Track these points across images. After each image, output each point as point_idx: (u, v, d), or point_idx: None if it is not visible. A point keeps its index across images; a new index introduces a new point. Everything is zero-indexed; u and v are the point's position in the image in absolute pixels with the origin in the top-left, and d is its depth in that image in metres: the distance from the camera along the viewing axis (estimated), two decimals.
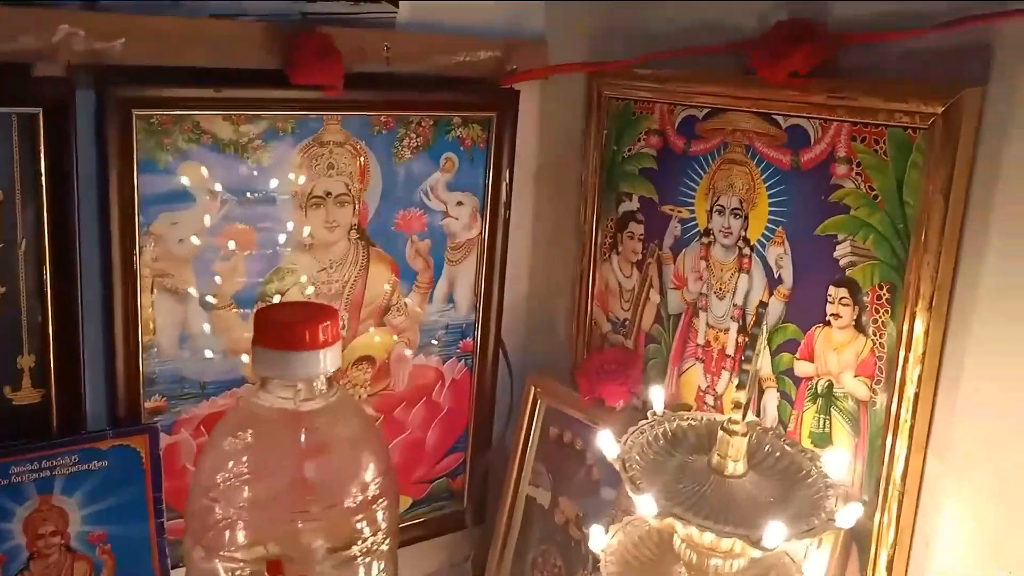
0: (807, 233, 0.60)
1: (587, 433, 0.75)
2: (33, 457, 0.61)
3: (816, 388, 0.60)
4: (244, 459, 0.43)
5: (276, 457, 0.43)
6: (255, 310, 0.43)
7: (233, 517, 0.42)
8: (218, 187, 0.66)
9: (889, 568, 0.57)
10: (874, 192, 0.56)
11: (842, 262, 0.58)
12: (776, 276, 0.62)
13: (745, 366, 0.43)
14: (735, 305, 0.65)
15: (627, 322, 0.75)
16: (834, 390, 0.59)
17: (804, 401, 0.61)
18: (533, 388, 0.79)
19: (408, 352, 0.79)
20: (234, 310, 0.69)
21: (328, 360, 0.43)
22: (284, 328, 0.41)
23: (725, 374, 0.66)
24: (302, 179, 0.69)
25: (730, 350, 0.65)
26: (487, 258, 0.80)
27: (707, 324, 0.68)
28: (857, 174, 0.57)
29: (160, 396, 0.67)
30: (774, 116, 0.61)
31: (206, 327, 0.68)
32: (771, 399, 0.63)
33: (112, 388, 0.65)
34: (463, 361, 0.83)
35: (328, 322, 0.43)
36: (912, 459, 0.56)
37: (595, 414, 0.74)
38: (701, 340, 0.68)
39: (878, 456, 0.57)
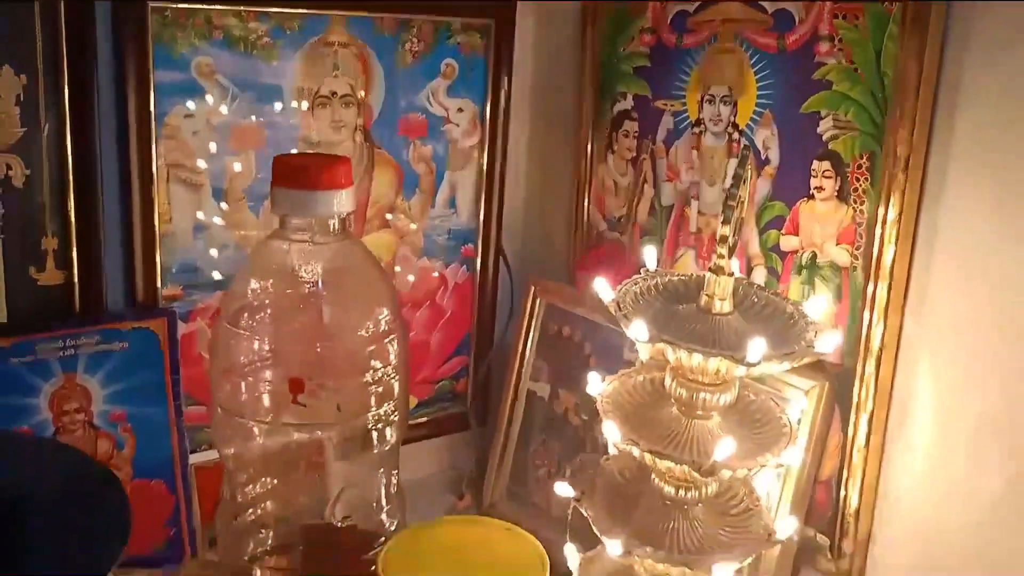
0: (792, 113, 0.63)
1: (585, 326, 0.78)
2: (57, 336, 0.65)
3: (801, 260, 0.64)
4: (264, 296, 0.46)
5: (293, 292, 0.46)
6: (272, 161, 0.46)
7: (256, 346, 0.45)
8: (228, 83, 0.69)
9: (869, 424, 0.60)
10: (854, 66, 0.59)
11: (825, 136, 0.61)
12: (763, 157, 0.65)
13: (730, 202, 0.46)
14: (724, 190, 0.68)
15: (622, 219, 0.79)
16: (818, 260, 0.63)
17: (790, 274, 0.64)
18: (533, 288, 0.83)
19: (412, 256, 0.82)
20: (245, 204, 0.72)
21: (342, 201, 0.46)
22: (303, 170, 0.44)
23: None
24: (308, 78, 0.72)
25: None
26: (487, 165, 0.83)
27: (698, 212, 0.71)
28: (839, 50, 0.60)
29: (176, 284, 0.70)
30: (761, 2, 0.64)
31: (218, 220, 0.71)
32: (759, 275, 0.66)
33: (130, 274, 0.68)
34: (465, 266, 0.86)
35: (343, 167, 0.46)
36: (890, 320, 0.59)
37: (593, 307, 0.77)
38: (693, 228, 0.72)
39: (858, 320, 0.60)
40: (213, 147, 0.69)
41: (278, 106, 0.71)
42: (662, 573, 0.55)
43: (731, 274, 0.50)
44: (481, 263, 0.86)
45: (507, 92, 0.82)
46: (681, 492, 0.54)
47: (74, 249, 0.65)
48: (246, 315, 0.46)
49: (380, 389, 0.48)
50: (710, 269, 0.50)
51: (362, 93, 0.75)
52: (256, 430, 0.46)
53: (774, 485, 0.61)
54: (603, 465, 0.59)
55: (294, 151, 0.72)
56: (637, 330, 0.47)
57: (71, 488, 0.41)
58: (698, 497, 0.54)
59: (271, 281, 0.46)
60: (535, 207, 0.89)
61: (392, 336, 0.48)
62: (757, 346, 0.45)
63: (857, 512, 0.62)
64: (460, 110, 0.81)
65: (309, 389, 0.44)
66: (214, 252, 0.71)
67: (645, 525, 0.54)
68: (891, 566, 0.62)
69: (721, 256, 0.48)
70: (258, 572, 0.49)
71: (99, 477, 0.40)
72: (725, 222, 0.47)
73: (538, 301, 0.82)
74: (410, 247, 0.82)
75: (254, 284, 0.46)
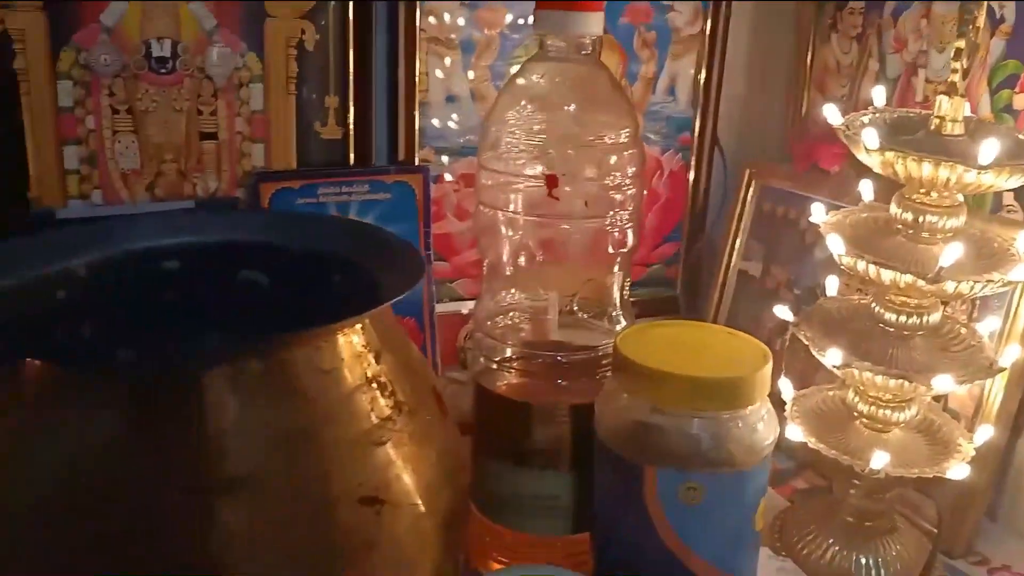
0: None
1: (800, 202, 0.80)
2: (335, 182, 0.76)
3: None
4: (525, 103, 0.53)
5: (551, 100, 0.53)
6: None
7: (517, 145, 0.53)
8: None
9: None
10: None
11: None
12: (998, 16, 0.65)
13: (966, 16, 0.48)
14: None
15: (843, 97, 0.80)
16: None
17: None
18: (748, 170, 0.86)
19: None
20: (488, 82, 0.80)
21: (596, 22, 0.53)
22: None
23: None
24: None
25: None
26: (708, 53, 0.87)
27: (926, 80, 0.72)
28: None
29: (428, 148, 0.80)
30: None
31: (467, 93, 0.80)
32: None
33: (393, 134, 0.78)
34: (680, 154, 0.90)
35: None
36: None
37: (809, 183, 0.79)
38: (919, 97, 0.72)
39: None
40: (464, 28, 0.78)
41: None
42: (877, 397, 0.58)
43: (963, 95, 0.51)
44: (697, 151, 0.90)
45: None
46: (902, 318, 0.56)
47: (351, 108, 0.75)
48: (508, 119, 0.53)
49: (619, 196, 0.54)
50: (942, 92, 0.52)
51: None
52: (514, 220, 0.54)
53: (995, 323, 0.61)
54: (819, 304, 0.63)
55: None
56: (868, 137, 0.50)
57: (371, 250, 0.50)
58: (919, 325, 0.56)
59: (532, 90, 0.54)
60: (754, 96, 0.92)
61: (632, 151, 0.54)
62: (989, 147, 0.47)
63: None
64: None
65: (561, 185, 0.51)
66: (461, 122, 0.80)
67: (864, 349, 0.57)
68: None
69: (955, 71, 0.50)
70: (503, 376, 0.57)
71: (395, 241, 0.49)
72: (960, 36, 0.49)
73: (753, 183, 0.86)
74: None
75: (520, 86, 0.54)
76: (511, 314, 0.59)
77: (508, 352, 0.58)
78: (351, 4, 0.73)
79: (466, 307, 0.83)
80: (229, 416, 0.37)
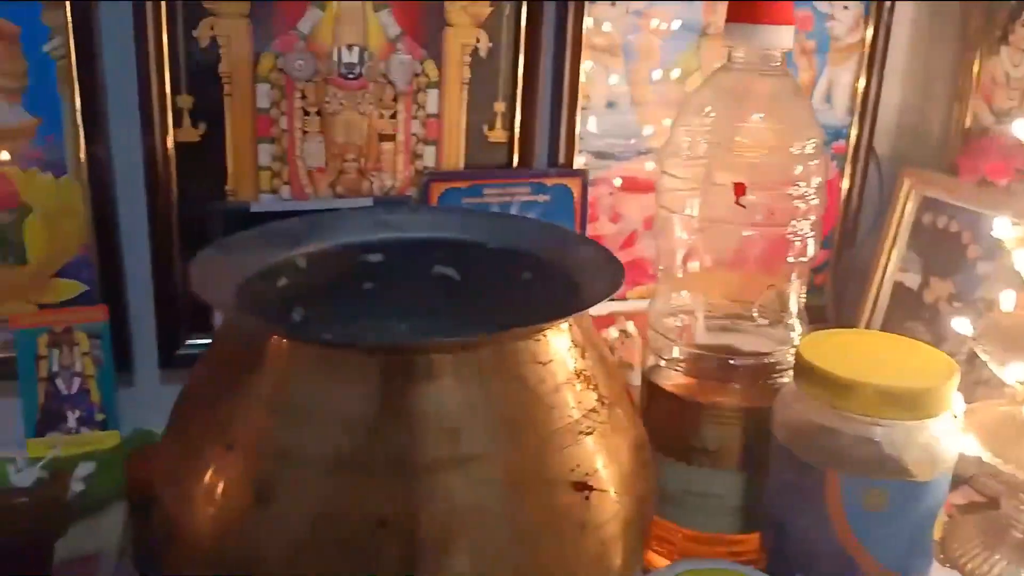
0: None
1: (964, 215, 0.79)
2: (500, 183, 0.79)
3: None
4: (712, 111, 0.55)
5: (740, 108, 0.55)
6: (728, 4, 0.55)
7: (703, 153, 0.55)
8: None
9: None
10: None
11: None
12: None
13: None
14: None
15: (1011, 110, 0.79)
16: None
17: None
18: (907, 180, 0.85)
19: None
20: (647, 89, 0.82)
21: (785, 37, 0.54)
22: (758, 6, 0.53)
23: None
24: None
25: None
26: (868, 60, 0.87)
27: None
28: None
29: (587, 152, 0.83)
30: None
31: (627, 99, 0.82)
32: None
33: (555, 138, 0.81)
34: (835, 162, 0.90)
35: (787, 7, 0.53)
36: None
37: (972, 195, 0.78)
38: None
39: None
40: (623, 36, 0.80)
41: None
42: None
43: None
44: (852, 159, 0.90)
45: None
46: None
47: (517, 113, 0.79)
48: (694, 123, 0.55)
49: (803, 206, 0.55)
50: None
51: None
52: (694, 225, 0.56)
53: None
54: (994, 319, 0.62)
55: None
56: None
57: (566, 251, 0.53)
58: None
59: (721, 99, 0.55)
60: (912, 105, 0.91)
61: (816, 161, 0.55)
62: None
63: None
64: (845, 7, 0.85)
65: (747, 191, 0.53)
66: (619, 129, 0.82)
67: None
68: None
69: None
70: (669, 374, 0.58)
71: (593, 245, 0.52)
72: None
73: (911, 193, 0.85)
74: None
75: (708, 95, 0.56)
76: (681, 316, 0.61)
77: (679, 352, 0.60)
78: (524, 13, 0.76)
79: (617, 306, 0.85)
80: (463, 398, 0.40)
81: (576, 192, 0.81)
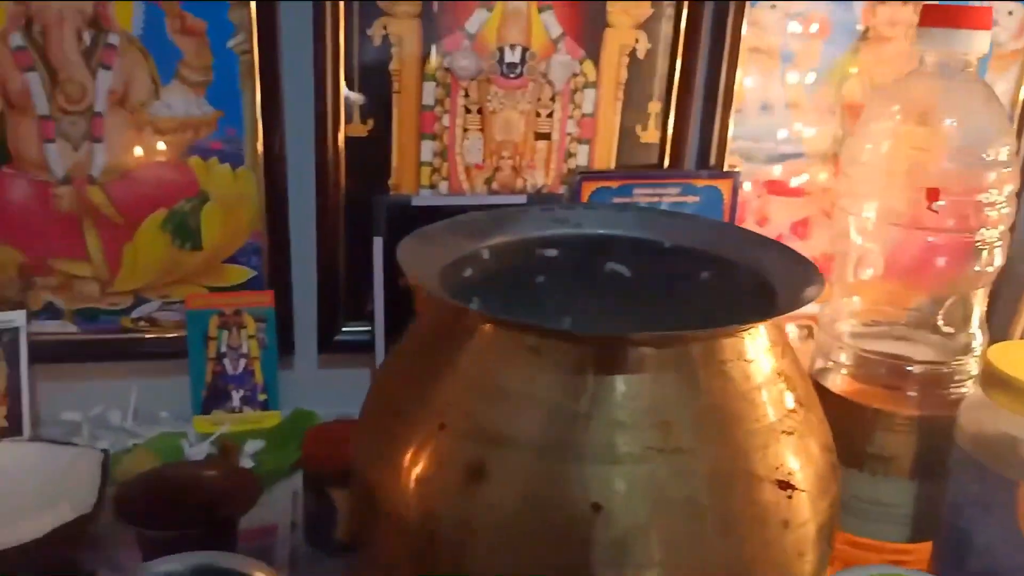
0: None
1: None
2: (650, 183, 0.80)
3: None
4: (900, 115, 0.54)
5: (932, 113, 0.54)
6: (922, 7, 0.54)
7: (889, 157, 0.54)
8: None
9: None
10: None
11: None
12: None
13: None
14: None
15: None
16: None
17: None
18: None
19: None
20: (803, 92, 0.81)
21: (984, 41, 0.53)
22: (954, 10, 0.52)
23: None
24: None
25: None
26: None
27: None
28: None
29: (736, 154, 0.82)
30: None
31: (781, 102, 0.81)
32: None
33: (706, 140, 0.81)
34: None
35: (985, 13, 0.52)
36: None
37: None
38: None
39: None
40: (783, 30, 0.79)
41: None
42: None
43: None
44: None
45: None
46: None
47: (671, 114, 0.79)
48: (886, 127, 0.55)
49: (993, 214, 0.54)
50: None
51: None
52: (875, 229, 0.55)
53: None
54: None
55: None
56: None
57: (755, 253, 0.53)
58: None
59: (912, 104, 0.55)
60: None
61: (1010, 169, 0.54)
62: None
63: None
64: (1010, 13, 0.83)
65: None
66: (772, 132, 0.82)
67: None
68: None
69: None
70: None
71: (788, 250, 0.52)
72: None
73: None
74: None
75: (897, 99, 0.55)
76: (852, 320, 0.60)
77: (849, 357, 0.59)
78: (684, 14, 0.76)
79: None
80: (673, 391, 0.41)
81: (726, 194, 0.81)
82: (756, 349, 0.43)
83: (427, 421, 0.44)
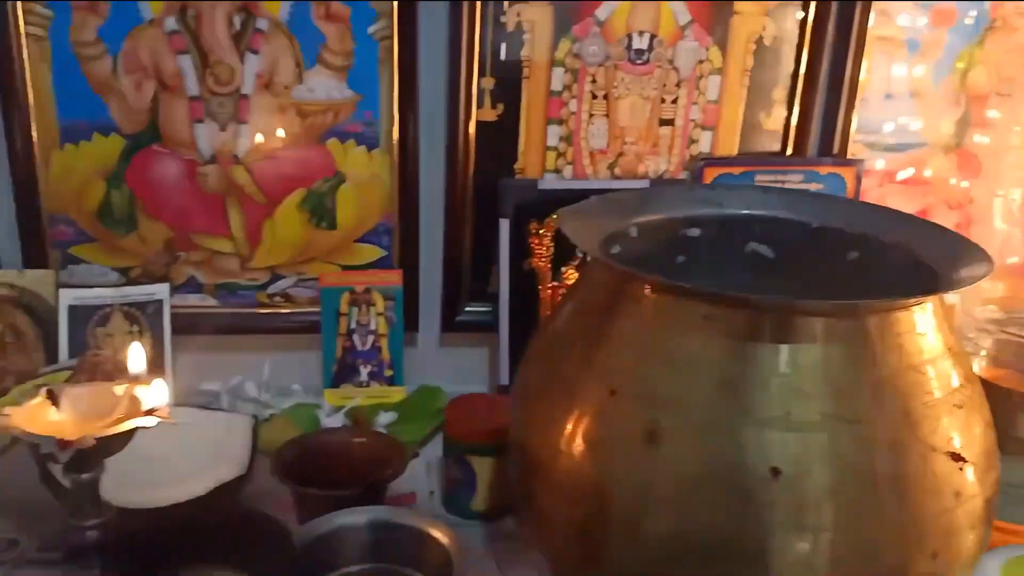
0: None
1: None
2: (772, 169, 0.80)
3: None
4: None
5: None
6: None
7: None
8: None
9: None
10: None
11: None
12: None
13: None
14: None
15: None
16: None
17: None
18: None
19: None
20: (929, 81, 0.81)
21: None
22: None
23: None
24: None
25: None
26: None
27: None
28: None
29: (859, 143, 0.82)
30: None
31: (905, 91, 0.81)
32: None
33: (830, 128, 0.81)
34: None
35: None
36: None
37: None
38: None
39: None
40: (911, 21, 0.79)
41: None
42: None
43: None
44: None
45: None
46: None
47: (796, 100, 0.79)
48: None
49: None
50: None
51: None
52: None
53: None
54: None
55: None
56: None
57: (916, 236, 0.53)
58: None
59: None
60: None
61: None
62: None
63: None
64: None
65: None
66: (897, 122, 0.81)
67: None
68: None
69: None
70: None
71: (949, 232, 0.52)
72: None
73: None
74: None
75: None
76: (992, 305, 0.60)
77: (991, 341, 0.59)
78: (812, 3, 0.76)
79: None
80: (850, 362, 0.41)
81: (849, 182, 0.81)
82: (927, 324, 0.44)
83: (596, 387, 0.45)
